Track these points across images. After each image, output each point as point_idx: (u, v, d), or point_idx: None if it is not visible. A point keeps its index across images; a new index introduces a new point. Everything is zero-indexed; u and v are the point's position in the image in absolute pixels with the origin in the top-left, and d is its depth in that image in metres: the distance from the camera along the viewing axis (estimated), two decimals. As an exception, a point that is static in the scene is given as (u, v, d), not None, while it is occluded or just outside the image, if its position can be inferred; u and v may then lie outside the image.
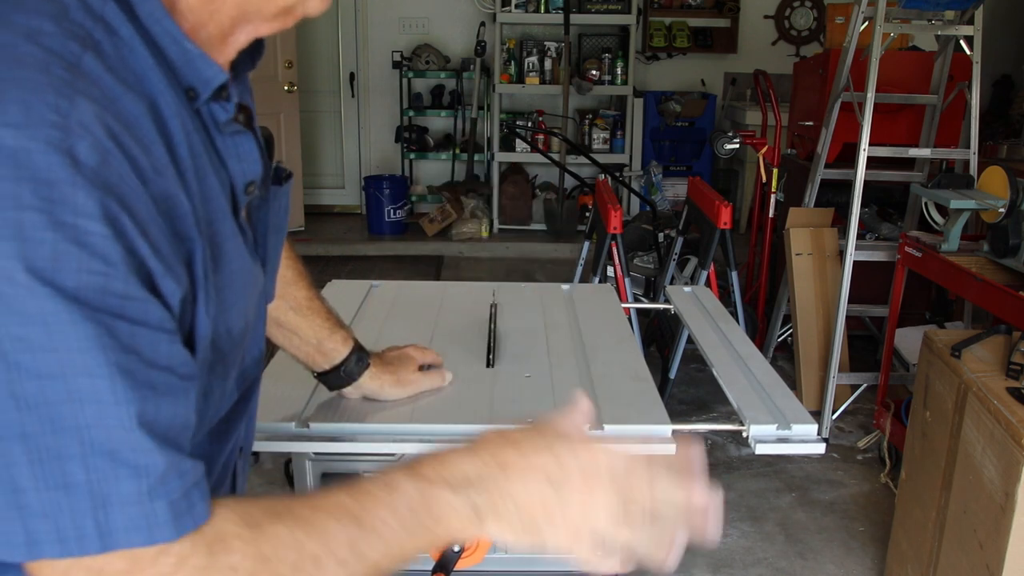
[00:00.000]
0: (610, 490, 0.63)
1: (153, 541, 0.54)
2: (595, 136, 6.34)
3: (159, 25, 0.60)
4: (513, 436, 0.65)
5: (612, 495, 0.63)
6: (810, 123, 3.88)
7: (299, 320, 1.11)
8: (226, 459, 0.78)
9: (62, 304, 0.51)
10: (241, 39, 0.67)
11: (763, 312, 4.03)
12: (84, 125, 0.52)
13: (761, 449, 1.15)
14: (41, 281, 0.50)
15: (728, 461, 3.12)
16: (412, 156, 6.63)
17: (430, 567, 1.14)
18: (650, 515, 0.64)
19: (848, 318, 3.25)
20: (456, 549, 1.14)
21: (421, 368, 1.24)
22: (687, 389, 3.66)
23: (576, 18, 6.05)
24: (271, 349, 1.16)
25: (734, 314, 3.12)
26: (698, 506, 0.65)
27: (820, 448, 1.14)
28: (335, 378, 1.16)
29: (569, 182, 6.17)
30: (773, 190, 3.90)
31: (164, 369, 0.56)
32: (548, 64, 6.26)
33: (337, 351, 1.15)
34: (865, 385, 3.45)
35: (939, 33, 3.23)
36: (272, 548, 0.58)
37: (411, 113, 6.50)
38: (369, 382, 1.18)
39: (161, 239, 0.57)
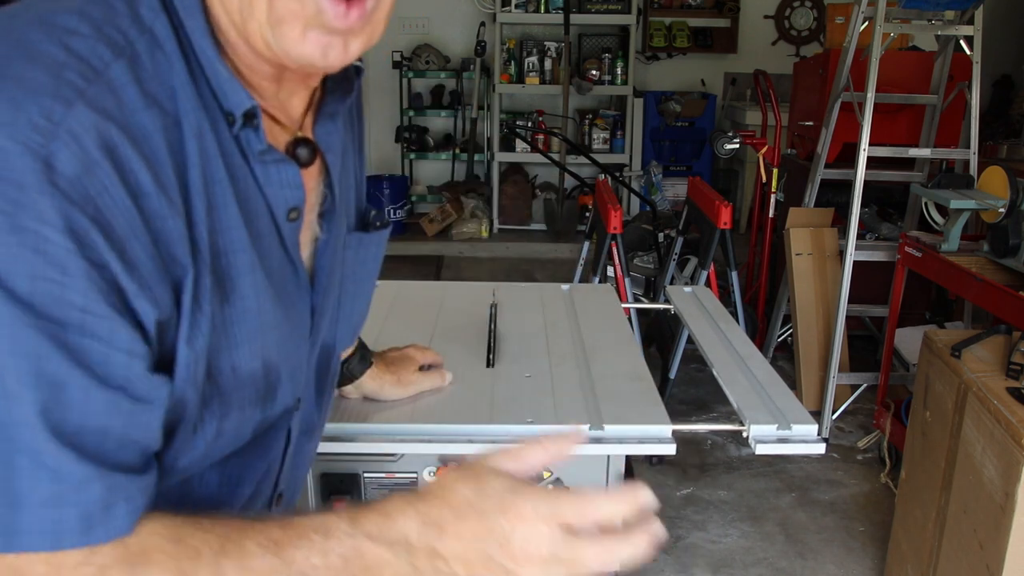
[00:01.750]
0: (547, 554, 0.61)
1: (58, 547, 0.53)
2: (595, 136, 6.34)
3: (198, 44, 0.60)
4: (452, 498, 0.62)
5: (549, 559, 0.61)
6: (810, 123, 3.88)
7: None
8: (249, 504, 0.75)
9: (7, 307, 0.50)
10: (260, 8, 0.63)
11: (763, 312, 4.03)
12: (73, 133, 0.52)
13: (761, 449, 1.15)
14: None
15: (728, 461, 3.12)
16: (412, 156, 6.63)
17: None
18: (588, 560, 0.62)
19: (848, 318, 3.25)
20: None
21: (421, 368, 1.24)
22: (687, 389, 3.66)
23: (576, 18, 6.05)
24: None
25: (734, 314, 3.12)
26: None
27: (820, 448, 1.14)
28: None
29: (569, 182, 6.17)
30: (773, 190, 3.90)
31: (114, 388, 0.55)
32: (548, 64, 6.26)
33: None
34: (865, 385, 3.45)
35: (939, 33, 3.23)
36: (191, 567, 0.57)
37: (411, 113, 6.50)
38: (370, 382, 1.17)
39: (142, 257, 0.56)
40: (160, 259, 0.57)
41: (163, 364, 0.59)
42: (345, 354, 1.13)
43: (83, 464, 0.54)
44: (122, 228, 0.54)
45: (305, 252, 0.73)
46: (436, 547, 0.60)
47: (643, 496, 0.63)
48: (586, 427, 0.71)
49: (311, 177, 0.73)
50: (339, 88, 0.74)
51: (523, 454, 0.65)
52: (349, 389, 1.18)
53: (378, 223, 0.84)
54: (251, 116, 0.63)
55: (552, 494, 0.62)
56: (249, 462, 0.73)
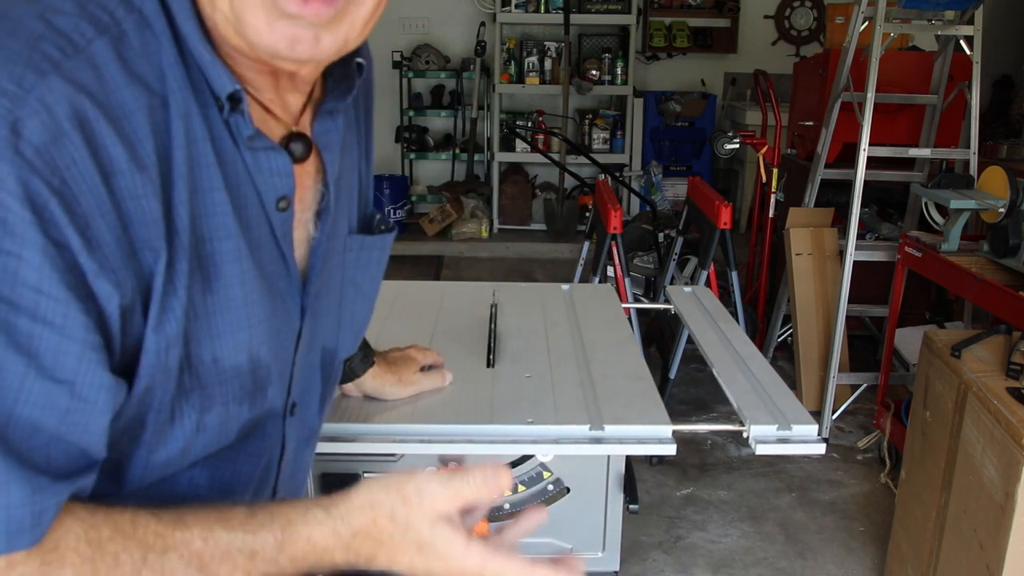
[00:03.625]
0: None
1: None
2: (595, 136, 6.34)
3: (182, 26, 0.60)
4: (385, 539, 0.62)
5: None
6: (810, 123, 3.88)
7: None
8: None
9: None
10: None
11: (763, 312, 4.03)
12: (45, 103, 0.50)
13: (761, 449, 1.15)
14: None
15: (728, 461, 3.12)
16: (412, 156, 6.63)
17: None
18: None
19: (848, 318, 3.25)
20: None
21: (422, 369, 1.24)
22: (687, 389, 3.65)
23: (576, 18, 6.05)
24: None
25: (734, 314, 3.12)
26: None
27: (820, 448, 1.14)
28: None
29: (569, 182, 6.17)
30: (773, 190, 3.90)
31: (58, 381, 0.52)
32: (548, 64, 6.26)
33: None
34: (865, 385, 3.45)
35: (939, 33, 3.23)
36: (107, 571, 0.55)
37: (411, 113, 6.50)
38: (371, 380, 1.17)
39: (107, 237, 0.53)
40: (128, 241, 0.55)
41: (127, 355, 0.57)
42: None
43: (7, 462, 0.50)
44: (88, 204, 0.52)
45: (299, 251, 0.72)
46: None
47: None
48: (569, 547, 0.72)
49: (306, 175, 0.72)
50: (340, 86, 0.73)
51: (461, 488, 0.64)
52: (350, 387, 1.18)
53: (382, 227, 0.83)
54: (236, 100, 0.62)
55: (469, 542, 0.63)
56: (240, 466, 0.72)
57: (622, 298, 2.87)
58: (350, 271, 0.79)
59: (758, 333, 3.89)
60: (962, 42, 3.14)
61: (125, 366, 0.58)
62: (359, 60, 0.73)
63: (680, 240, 3.67)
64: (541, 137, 6.14)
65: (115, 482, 0.62)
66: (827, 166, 3.44)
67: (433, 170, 6.77)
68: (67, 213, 0.51)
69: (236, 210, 0.63)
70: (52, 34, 0.53)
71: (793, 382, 3.47)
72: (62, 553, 0.53)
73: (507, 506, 1.22)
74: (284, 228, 0.68)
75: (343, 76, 0.73)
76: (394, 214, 6.19)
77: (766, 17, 6.66)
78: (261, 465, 0.74)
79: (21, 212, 0.49)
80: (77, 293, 0.52)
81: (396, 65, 6.31)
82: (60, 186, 0.51)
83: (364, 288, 0.83)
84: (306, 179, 0.72)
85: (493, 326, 1.49)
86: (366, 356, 1.15)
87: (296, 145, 0.69)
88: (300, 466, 0.82)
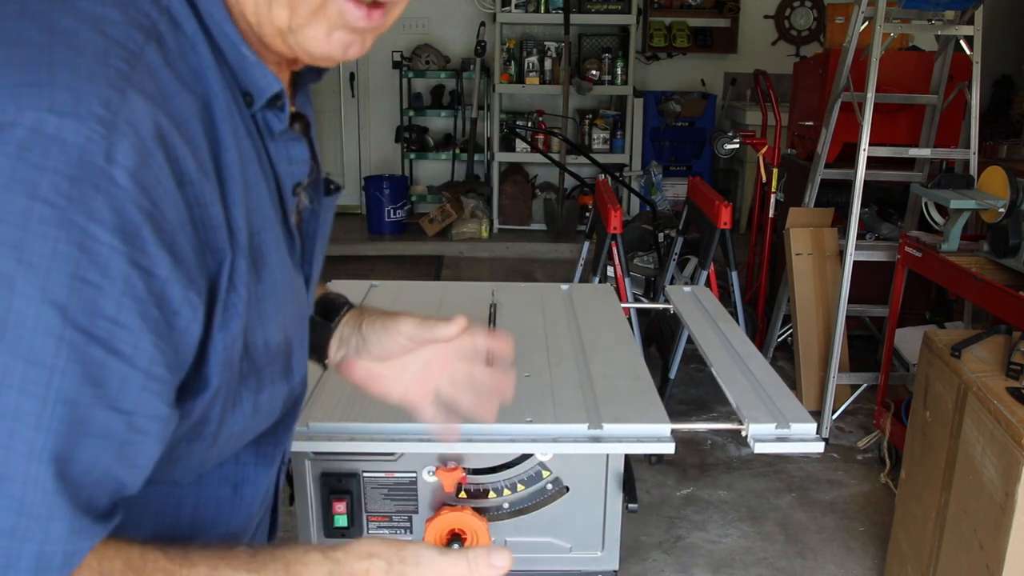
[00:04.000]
0: None
1: None
2: (595, 136, 6.34)
3: (219, 27, 0.59)
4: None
5: None
6: (810, 123, 3.88)
7: None
8: (275, 480, 0.77)
9: (35, 308, 0.47)
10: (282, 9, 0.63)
11: (763, 312, 4.03)
12: (131, 123, 0.50)
13: (760, 448, 1.15)
14: (27, 278, 0.46)
15: (728, 461, 3.12)
16: (412, 156, 6.63)
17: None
18: None
19: (848, 318, 3.25)
20: (455, 548, 1.14)
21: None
22: (687, 389, 3.66)
23: (576, 18, 6.05)
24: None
25: (734, 314, 3.12)
26: None
27: (819, 447, 1.14)
28: (324, 325, 0.96)
29: (569, 182, 6.18)
30: (773, 190, 3.90)
31: (121, 412, 0.51)
32: (548, 64, 6.26)
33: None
34: (865, 385, 3.45)
35: (939, 33, 3.23)
36: None
37: (411, 113, 6.50)
38: (366, 326, 0.95)
39: (188, 250, 0.53)
40: (201, 248, 0.55)
41: (195, 360, 0.57)
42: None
43: (56, 495, 0.48)
44: (172, 220, 0.52)
45: (294, 220, 0.73)
46: None
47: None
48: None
49: None
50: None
51: (457, 564, 0.67)
52: (356, 364, 0.96)
53: (331, 187, 0.83)
54: (277, 98, 0.63)
55: None
56: (280, 438, 0.74)
57: (622, 298, 2.88)
58: (321, 231, 0.80)
59: (758, 333, 3.89)
60: (962, 42, 3.14)
61: (194, 371, 0.58)
62: None
63: (680, 240, 3.67)
64: (541, 137, 6.14)
65: (171, 471, 0.63)
66: (827, 166, 3.44)
67: (433, 170, 6.77)
68: (158, 235, 0.51)
69: (271, 200, 0.65)
70: (114, 46, 0.51)
71: (793, 382, 3.47)
72: None
73: (506, 505, 1.22)
74: (291, 209, 0.70)
75: None
76: (394, 214, 6.19)
77: (766, 17, 6.66)
78: (290, 434, 0.77)
79: (111, 242, 0.48)
80: (151, 321, 0.51)
81: (396, 65, 6.31)
82: (151, 208, 0.50)
83: (324, 249, 0.84)
84: None
85: (493, 326, 1.49)
86: (329, 307, 0.98)
87: (296, 125, 0.70)
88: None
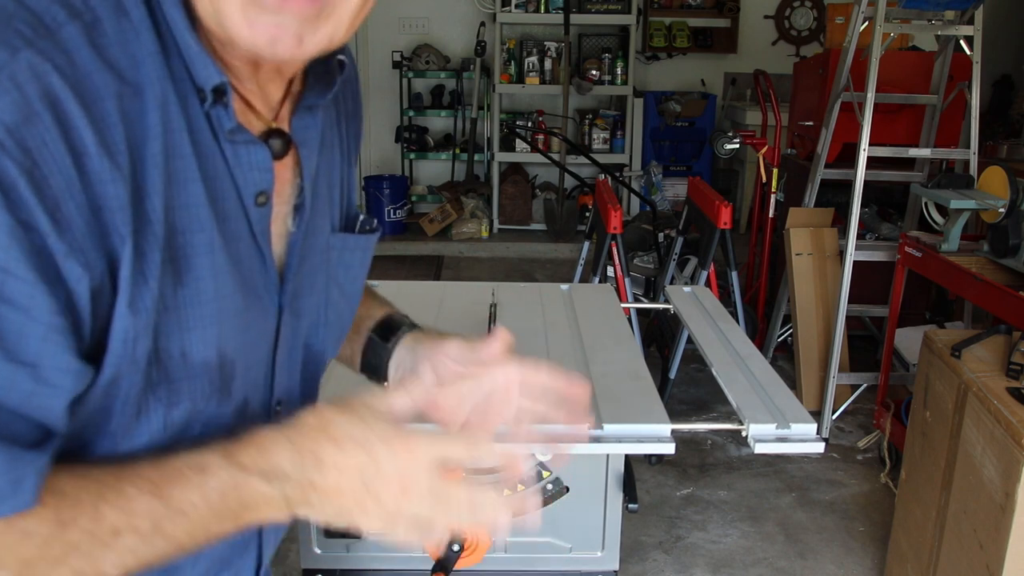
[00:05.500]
0: (424, 489, 0.63)
1: None
2: (595, 136, 6.34)
3: (170, 14, 0.59)
4: (333, 430, 0.62)
5: (426, 493, 0.63)
6: (810, 123, 3.88)
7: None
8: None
9: None
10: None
11: (763, 312, 4.03)
12: (16, 80, 0.50)
13: (760, 448, 1.15)
14: None
15: (728, 461, 3.12)
16: (412, 156, 6.63)
17: (430, 567, 1.14)
18: (463, 502, 0.64)
19: (848, 318, 3.25)
20: (456, 548, 1.14)
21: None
22: (687, 389, 3.66)
23: (576, 18, 6.05)
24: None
25: (734, 314, 3.12)
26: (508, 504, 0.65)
27: (819, 447, 1.14)
28: (372, 354, 0.92)
29: (569, 182, 6.17)
30: (773, 190, 3.90)
31: (21, 363, 0.52)
32: (548, 64, 6.26)
33: (371, 318, 0.94)
34: (865, 385, 3.45)
35: (939, 33, 3.23)
36: (71, 515, 0.55)
37: (411, 113, 6.50)
38: (431, 346, 0.90)
39: (77, 219, 0.53)
40: (97, 223, 0.55)
41: (95, 341, 0.57)
42: (374, 321, 0.94)
43: None
44: (58, 185, 0.52)
45: (277, 247, 0.71)
46: (313, 479, 0.61)
47: (525, 459, 0.64)
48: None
49: (285, 169, 0.71)
50: (320, 82, 0.73)
51: (392, 399, 0.66)
52: (404, 394, 0.79)
53: (367, 227, 0.81)
54: (220, 92, 0.61)
55: (436, 435, 0.64)
56: None
57: (622, 298, 2.88)
58: (332, 270, 0.78)
59: (758, 333, 3.89)
60: (962, 42, 3.14)
61: (93, 353, 0.57)
62: (340, 57, 0.72)
63: (680, 240, 3.67)
64: (541, 137, 6.14)
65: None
66: (827, 166, 3.44)
67: (433, 170, 6.77)
68: (36, 194, 0.51)
69: (212, 203, 0.63)
70: (24, 12, 0.52)
71: (793, 382, 3.47)
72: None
73: (506, 506, 1.22)
74: (262, 224, 0.68)
75: (324, 72, 0.72)
76: (394, 214, 6.19)
77: (766, 17, 6.66)
78: None
79: None
80: (44, 275, 0.52)
81: (396, 65, 6.31)
82: (30, 166, 0.50)
83: (347, 288, 0.81)
84: (284, 173, 0.71)
85: (493, 326, 1.49)
86: (389, 327, 0.93)
87: (275, 141, 0.68)
88: None
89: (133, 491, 0.57)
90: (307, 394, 0.82)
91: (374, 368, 0.92)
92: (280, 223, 0.72)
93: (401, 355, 0.91)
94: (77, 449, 0.61)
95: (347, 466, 0.61)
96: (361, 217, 0.83)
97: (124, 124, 0.56)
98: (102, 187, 0.54)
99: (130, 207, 0.56)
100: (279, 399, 0.76)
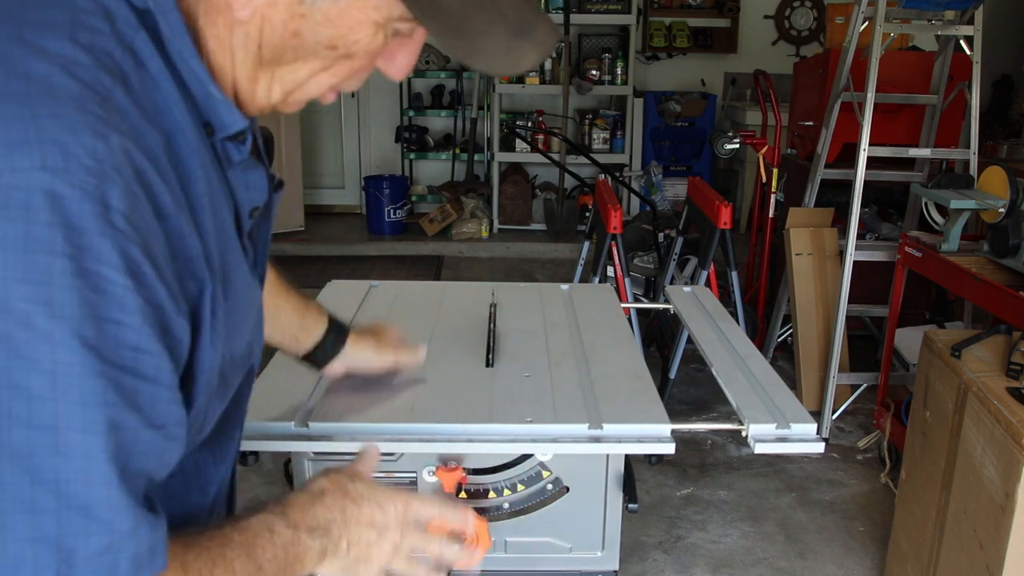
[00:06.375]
0: (408, 535, 0.81)
1: None
2: (595, 136, 6.34)
3: (187, 65, 0.61)
4: (351, 491, 0.78)
5: (408, 539, 0.81)
6: (810, 123, 3.88)
7: (279, 301, 1.12)
8: (230, 469, 0.82)
9: (79, 355, 0.51)
10: (276, 90, 0.66)
11: (763, 312, 4.03)
12: (117, 168, 0.53)
13: (760, 448, 1.15)
14: (63, 329, 0.50)
15: (728, 461, 3.12)
16: (412, 156, 6.63)
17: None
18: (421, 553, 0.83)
19: (848, 318, 3.25)
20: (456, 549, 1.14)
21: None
22: (687, 389, 3.66)
23: (576, 18, 6.05)
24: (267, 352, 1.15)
25: (734, 314, 3.12)
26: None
27: (819, 447, 1.14)
28: (321, 353, 1.17)
29: (569, 182, 6.17)
30: (773, 190, 3.90)
31: (157, 427, 0.56)
32: (548, 64, 6.26)
33: (317, 324, 1.16)
34: (865, 385, 3.45)
35: (939, 33, 3.23)
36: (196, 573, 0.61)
37: (411, 113, 6.50)
38: (352, 349, 1.20)
39: (173, 279, 0.57)
40: (180, 277, 0.59)
41: (183, 377, 0.61)
42: (322, 329, 1.16)
43: (134, 510, 0.55)
44: (160, 253, 0.56)
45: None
46: (343, 532, 0.75)
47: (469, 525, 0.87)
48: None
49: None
50: None
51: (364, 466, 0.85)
52: (335, 366, 1.20)
53: (275, 183, 0.85)
54: (241, 133, 0.66)
55: (414, 493, 0.83)
56: (232, 433, 0.80)
57: (622, 298, 2.88)
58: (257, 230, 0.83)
59: (758, 333, 3.89)
60: (962, 42, 3.14)
61: (183, 391, 0.62)
62: None
63: (680, 240, 3.67)
64: (541, 137, 6.14)
65: None
66: (827, 166, 3.44)
67: (433, 170, 6.77)
68: (154, 269, 0.55)
69: (231, 221, 0.68)
70: (87, 91, 0.54)
71: (793, 382, 3.47)
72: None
73: (506, 505, 1.22)
74: (247, 226, 0.72)
75: None
76: (394, 214, 6.19)
77: (766, 17, 6.66)
78: (241, 424, 0.83)
79: (124, 281, 0.53)
80: (166, 344, 0.57)
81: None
82: (145, 245, 0.54)
83: (268, 244, 0.86)
84: None
85: (492, 326, 1.49)
86: (340, 327, 1.19)
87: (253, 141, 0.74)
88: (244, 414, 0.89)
89: (232, 554, 0.65)
90: (259, 350, 0.89)
91: (318, 362, 1.19)
92: None
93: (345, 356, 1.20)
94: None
95: (363, 518, 0.77)
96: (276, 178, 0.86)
97: (176, 175, 0.59)
98: (182, 241, 0.58)
99: (203, 254, 0.61)
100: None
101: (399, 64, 0.68)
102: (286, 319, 1.13)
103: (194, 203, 0.61)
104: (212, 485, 0.78)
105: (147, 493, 0.58)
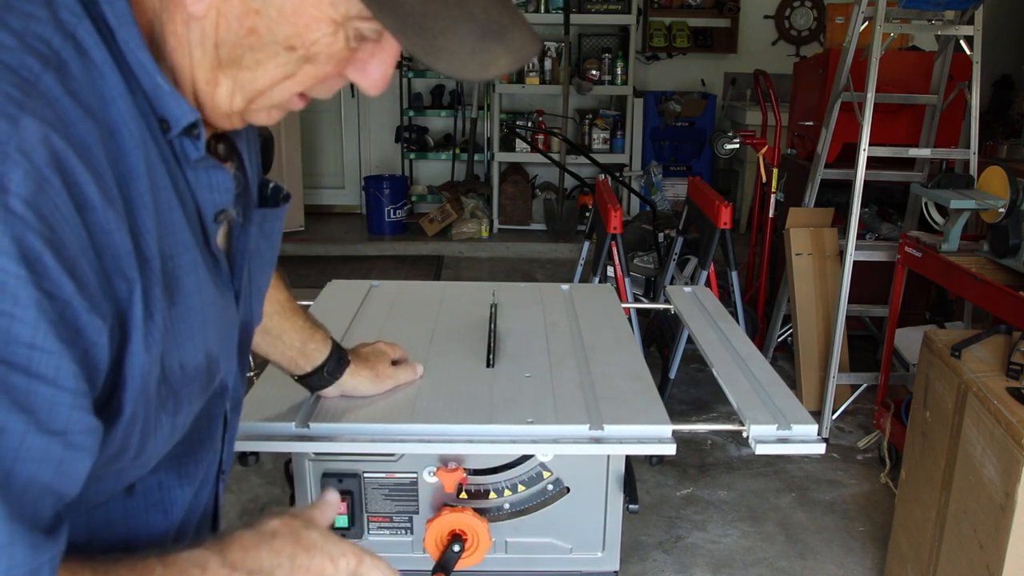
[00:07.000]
0: None
1: None
2: (595, 136, 6.34)
3: (134, 55, 0.59)
4: (303, 539, 0.72)
5: None
6: (810, 123, 3.88)
7: (284, 323, 1.11)
8: (200, 491, 0.78)
9: None
10: (237, 97, 0.64)
11: (763, 312, 4.03)
12: (24, 151, 0.49)
13: (761, 449, 1.14)
14: None
15: (728, 461, 3.12)
16: (412, 156, 6.63)
17: (430, 567, 1.14)
18: None
19: (848, 318, 3.25)
20: (456, 549, 1.14)
21: (394, 363, 1.26)
22: (687, 389, 3.66)
23: (576, 18, 6.05)
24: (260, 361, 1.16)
25: (734, 314, 3.12)
26: None
27: (820, 448, 1.14)
28: (318, 379, 1.17)
29: (569, 182, 6.17)
30: (773, 190, 3.90)
31: (54, 433, 0.51)
32: (548, 64, 6.26)
33: (319, 351, 1.15)
34: (865, 385, 3.45)
35: (939, 33, 3.23)
36: None
37: (411, 113, 6.50)
38: (349, 379, 1.19)
39: (90, 274, 0.53)
40: (105, 274, 0.55)
41: (108, 386, 0.57)
42: (323, 356, 1.15)
43: (9, 523, 0.49)
44: (73, 245, 0.52)
45: (220, 237, 0.72)
46: None
47: None
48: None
49: (228, 165, 0.73)
50: None
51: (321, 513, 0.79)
52: (329, 388, 1.19)
53: (280, 195, 0.83)
54: (192, 127, 0.63)
55: (368, 552, 0.77)
56: (201, 456, 0.76)
57: (622, 298, 2.88)
58: (253, 243, 0.79)
59: (758, 333, 3.89)
60: (962, 42, 3.14)
61: (107, 397, 0.58)
62: None
63: (680, 240, 3.67)
64: (541, 137, 6.14)
65: (88, 497, 0.63)
66: (827, 166, 3.44)
67: (433, 170, 6.77)
68: (59, 260, 0.51)
69: (188, 224, 0.65)
70: (6, 73, 0.51)
71: (793, 382, 3.47)
72: None
73: (507, 506, 1.22)
74: (214, 233, 0.70)
75: None
76: (394, 214, 6.19)
77: (766, 17, 6.66)
78: (214, 448, 0.79)
79: (16, 271, 0.48)
80: (69, 342, 0.52)
81: (396, 65, 6.30)
82: (49, 234, 0.50)
83: (267, 258, 0.84)
84: (227, 168, 0.73)
85: (493, 326, 1.49)
86: (341, 356, 1.18)
87: (221, 147, 0.71)
88: (233, 434, 0.85)
89: None
90: (243, 366, 0.85)
91: (312, 387, 1.19)
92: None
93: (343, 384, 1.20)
94: (95, 480, 0.61)
95: (314, 570, 0.71)
96: (271, 185, 0.84)
97: (112, 168, 0.56)
98: (108, 237, 0.55)
99: (133, 252, 0.57)
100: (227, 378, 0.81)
101: (371, 76, 0.65)
102: (288, 341, 1.12)
103: (133, 200, 0.57)
104: (176, 508, 0.74)
105: (58, 511, 0.53)
